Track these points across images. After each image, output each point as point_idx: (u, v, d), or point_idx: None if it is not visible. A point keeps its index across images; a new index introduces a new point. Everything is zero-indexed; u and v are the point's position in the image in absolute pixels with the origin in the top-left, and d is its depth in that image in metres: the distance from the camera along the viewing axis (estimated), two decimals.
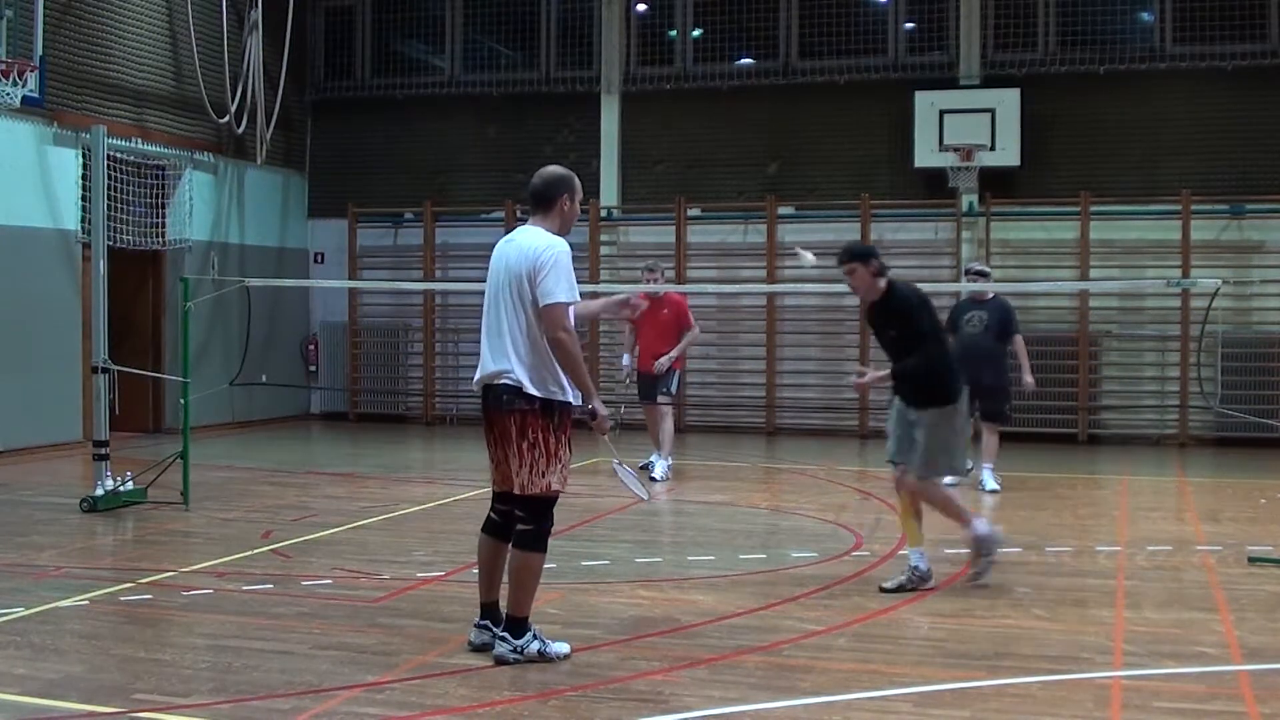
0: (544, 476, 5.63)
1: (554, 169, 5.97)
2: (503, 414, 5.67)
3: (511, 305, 5.68)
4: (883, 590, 7.09)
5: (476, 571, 6.02)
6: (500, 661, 5.64)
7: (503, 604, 5.81)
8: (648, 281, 12.00)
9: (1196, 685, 5.48)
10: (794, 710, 5.08)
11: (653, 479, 11.59)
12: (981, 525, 7.49)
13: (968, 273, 12.24)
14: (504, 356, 5.66)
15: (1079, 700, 5.26)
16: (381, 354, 18.56)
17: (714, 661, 5.78)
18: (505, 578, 5.79)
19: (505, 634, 5.69)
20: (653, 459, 12.03)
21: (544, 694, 5.27)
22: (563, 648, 5.78)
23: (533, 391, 5.63)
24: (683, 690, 5.33)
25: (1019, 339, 11.42)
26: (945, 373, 7.41)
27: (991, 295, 11.50)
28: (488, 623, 5.87)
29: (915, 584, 7.21)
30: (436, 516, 10.04)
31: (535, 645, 5.70)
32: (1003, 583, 7.49)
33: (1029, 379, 11.40)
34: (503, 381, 5.66)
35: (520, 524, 5.70)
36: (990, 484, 11.29)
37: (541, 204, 5.85)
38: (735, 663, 5.76)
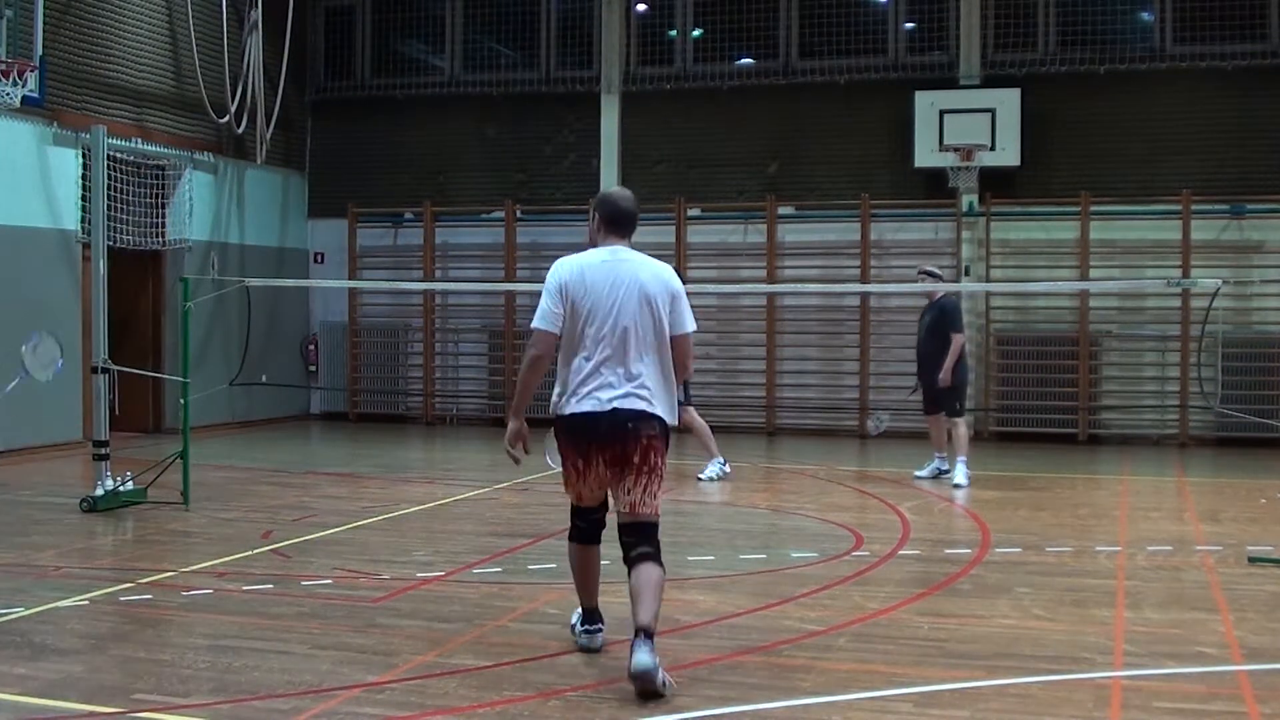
0: (655, 499, 5.65)
1: (628, 193, 5.93)
2: (632, 439, 5.54)
3: (653, 330, 5.60)
4: None
5: (576, 584, 6.03)
6: (652, 675, 5.18)
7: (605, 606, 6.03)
8: None
9: (1196, 685, 5.48)
10: (794, 710, 5.08)
11: None
12: None
13: (920, 272, 12.31)
14: (640, 381, 5.56)
15: (1079, 700, 5.26)
16: (381, 354, 18.55)
17: (714, 661, 5.77)
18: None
19: (650, 643, 5.32)
20: None
21: (544, 694, 5.26)
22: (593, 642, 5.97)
23: (666, 418, 5.62)
24: (683, 690, 5.32)
25: (957, 338, 11.54)
26: None
27: (940, 295, 11.68)
28: (601, 626, 6.01)
29: None
30: (436, 516, 10.03)
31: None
32: (1003, 583, 7.49)
33: (943, 375, 11.51)
34: (639, 408, 5.55)
35: (643, 546, 5.59)
36: (959, 478, 11.49)
37: (631, 227, 5.80)
38: (735, 663, 5.76)
